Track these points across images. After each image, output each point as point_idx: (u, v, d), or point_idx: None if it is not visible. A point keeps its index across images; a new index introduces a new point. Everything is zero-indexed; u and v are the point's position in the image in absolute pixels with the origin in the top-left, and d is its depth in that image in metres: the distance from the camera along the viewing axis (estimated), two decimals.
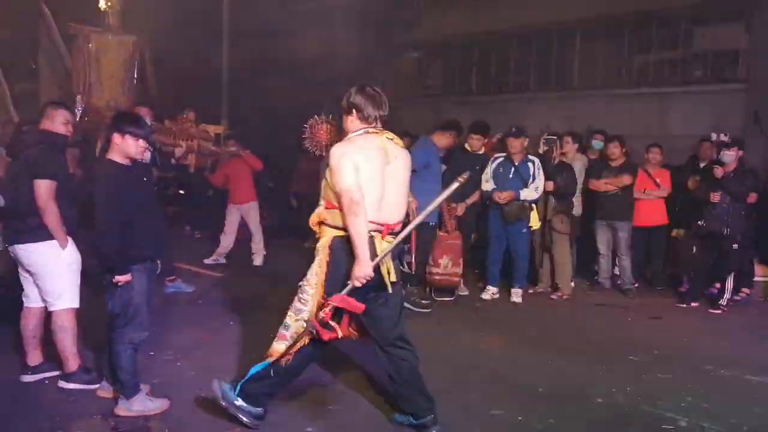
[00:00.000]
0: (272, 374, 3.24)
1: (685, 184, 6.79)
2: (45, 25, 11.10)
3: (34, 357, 3.95)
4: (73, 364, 3.82)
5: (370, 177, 3.06)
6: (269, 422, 3.40)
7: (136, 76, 12.23)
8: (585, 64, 12.35)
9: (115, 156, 3.49)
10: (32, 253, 3.77)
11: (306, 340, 3.17)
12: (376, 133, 3.21)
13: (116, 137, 3.46)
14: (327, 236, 3.18)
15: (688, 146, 7.87)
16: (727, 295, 6.17)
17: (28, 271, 3.85)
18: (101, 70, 12.00)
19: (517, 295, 6.31)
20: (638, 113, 10.91)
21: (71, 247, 3.84)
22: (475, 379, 4.16)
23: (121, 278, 3.37)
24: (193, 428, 3.38)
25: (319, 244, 3.21)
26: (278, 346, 3.23)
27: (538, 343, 5.02)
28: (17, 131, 4.82)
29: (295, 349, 3.20)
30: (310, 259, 3.26)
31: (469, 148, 6.66)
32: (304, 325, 3.16)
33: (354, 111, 3.21)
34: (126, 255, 3.39)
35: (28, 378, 3.92)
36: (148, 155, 6.12)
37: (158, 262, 3.95)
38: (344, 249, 3.09)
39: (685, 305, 6.27)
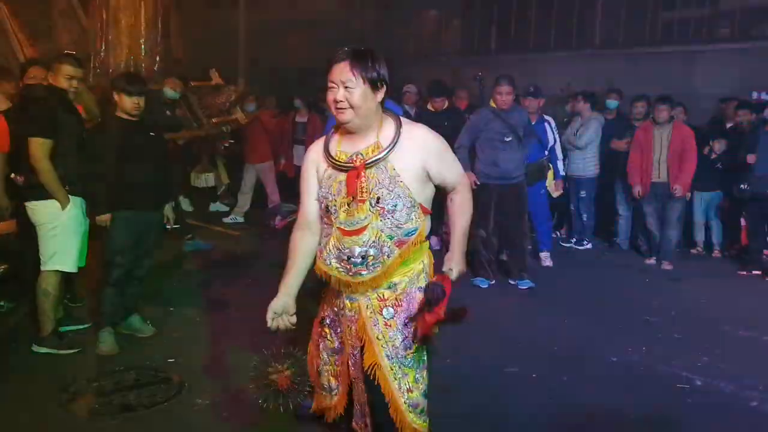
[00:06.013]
0: None
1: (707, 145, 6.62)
2: None
3: None
4: (48, 327, 3.73)
5: None
6: None
7: (160, 35, 12.10)
8: (607, 23, 12.00)
9: (119, 112, 3.76)
10: (33, 211, 3.68)
11: None
12: None
13: (114, 95, 3.73)
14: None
15: (712, 107, 7.68)
16: None
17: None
18: (120, 30, 11.88)
19: (546, 258, 6.20)
20: (661, 72, 10.62)
21: (74, 207, 3.69)
22: (491, 338, 4.16)
23: (99, 219, 3.72)
24: (209, 379, 3.47)
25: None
26: None
27: (554, 305, 5.02)
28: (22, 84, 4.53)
29: None
30: None
31: (431, 108, 6.56)
32: None
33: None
34: (109, 200, 3.71)
35: None
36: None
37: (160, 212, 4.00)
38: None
39: (746, 273, 6.05)
